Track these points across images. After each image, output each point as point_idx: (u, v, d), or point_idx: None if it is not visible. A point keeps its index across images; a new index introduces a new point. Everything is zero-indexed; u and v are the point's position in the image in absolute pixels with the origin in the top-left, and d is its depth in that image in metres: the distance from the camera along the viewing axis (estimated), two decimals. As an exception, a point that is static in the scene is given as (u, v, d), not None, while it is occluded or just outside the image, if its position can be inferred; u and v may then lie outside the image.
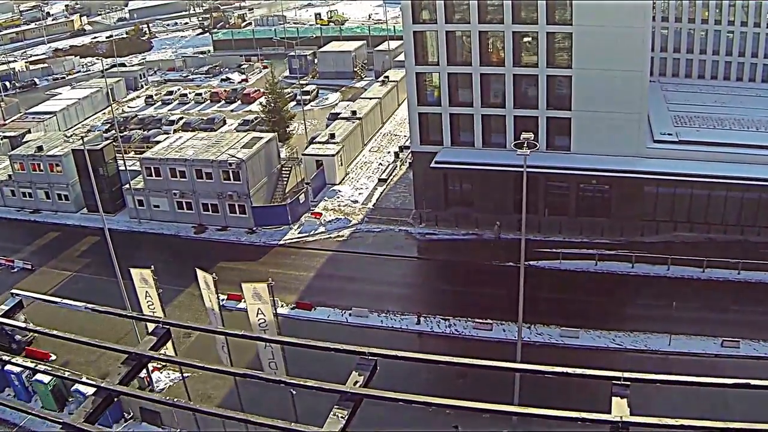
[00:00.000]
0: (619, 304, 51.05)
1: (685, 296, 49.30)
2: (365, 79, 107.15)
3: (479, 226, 60.27)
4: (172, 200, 65.41)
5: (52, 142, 74.39)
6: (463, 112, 59.49)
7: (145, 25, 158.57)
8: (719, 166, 55.43)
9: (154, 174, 65.20)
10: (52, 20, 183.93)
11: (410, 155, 67.60)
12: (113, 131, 75.06)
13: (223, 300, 53.74)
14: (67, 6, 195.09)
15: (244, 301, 52.68)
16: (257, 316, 33.44)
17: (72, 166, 69.83)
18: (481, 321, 48.53)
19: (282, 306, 52.25)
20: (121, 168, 68.56)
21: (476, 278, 54.06)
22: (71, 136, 71.71)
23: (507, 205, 60.34)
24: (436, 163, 59.00)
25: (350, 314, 50.61)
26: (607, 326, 47.64)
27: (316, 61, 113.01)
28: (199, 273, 36.37)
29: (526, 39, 56.56)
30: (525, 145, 34.36)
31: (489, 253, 57.04)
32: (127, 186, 67.03)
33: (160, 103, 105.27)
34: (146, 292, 36.69)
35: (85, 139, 73.20)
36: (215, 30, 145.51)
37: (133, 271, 37.86)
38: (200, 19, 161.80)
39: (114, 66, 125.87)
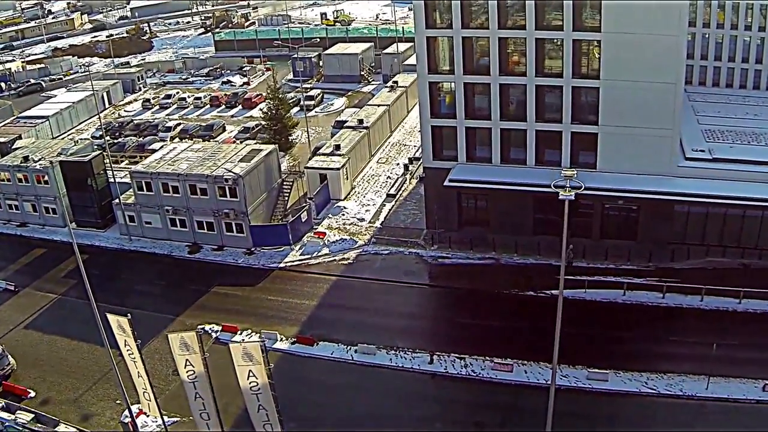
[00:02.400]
0: (651, 341, 46.18)
1: (722, 331, 44.88)
2: (372, 83, 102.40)
3: (496, 249, 55.51)
4: (165, 217, 60.75)
5: (40, 151, 69.80)
6: (480, 125, 54.72)
7: (146, 24, 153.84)
8: (755, 186, 51.07)
9: (145, 188, 60.54)
10: (53, 18, 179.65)
11: (420, 169, 63.01)
12: (104, 140, 69.98)
13: (217, 332, 49.56)
14: (69, 4, 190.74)
15: (240, 334, 49.31)
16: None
17: (59, 178, 65.31)
18: (500, 362, 43.78)
19: (281, 340, 47.87)
20: (115, 179, 63.96)
21: (494, 309, 49.42)
22: (60, 152, 66.69)
23: (526, 226, 55.99)
24: (451, 181, 54.28)
25: (356, 351, 45.89)
26: (638, 367, 43.06)
27: (321, 63, 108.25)
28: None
29: (549, 46, 51.74)
30: (567, 185, 29.29)
31: (507, 280, 52.30)
32: (117, 201, 62.38)
33: (157, 107, 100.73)
34: (125, 340, 31.95)
35: (75, 148, 69.33)
36: (217, 30, 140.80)
37: (110, 317, 33.51)
38: (202, 18, 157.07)
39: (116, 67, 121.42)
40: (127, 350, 32.64)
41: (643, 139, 51.45)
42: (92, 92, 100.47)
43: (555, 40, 51.23)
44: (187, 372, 30.22)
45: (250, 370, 29.13)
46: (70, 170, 64.39)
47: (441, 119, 55.52)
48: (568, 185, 29.47)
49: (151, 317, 51.70)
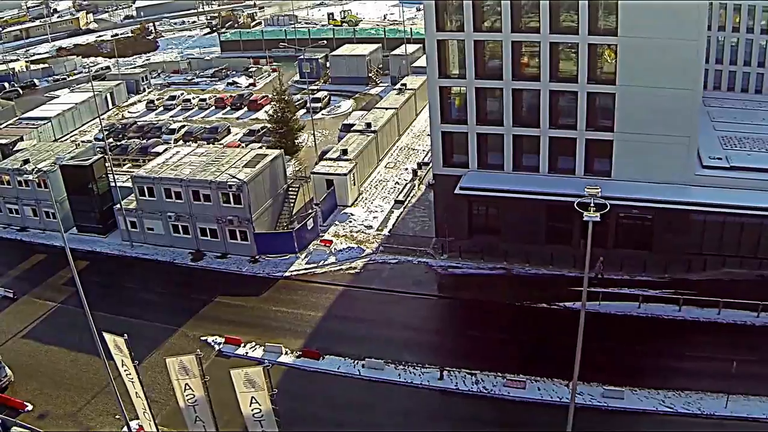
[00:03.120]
0: (667, 356, 44.49)
1: (740, 346, 43.35)
2: (380, 85, 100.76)
3: (507, 258, 53.92)
4: (167, 223, 59.26)
5: (40, 154, 68.43)
6: (492, 131, 53.13)
7: (151, 24, 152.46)
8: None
9: (147, 194, 59.07)
10: (58, 17, 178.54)
11: (430, 175, 61.48)
12: (106, 142, 68.46)
13: (220, 344, 48.10)
14: (74, 2, 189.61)
15: (244, 346, 47.84)
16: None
17: (60, 182, 63.87)
18: (512, 378, 42.20)
19: (286, 353, 46.30)
20: (118, 182, 62.57)
21: (505, 322, 47.84)
22: (54, 161, 65.09)
23: (538, 234, 54.48)
24: (461, 189, 52.70)
25: (363, 366, 44.34)
26: (654, 384, 41.43)
27: (328, 64, 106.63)
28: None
29: (565, 51, 50.14)
30: (591, 205, 27.68)
31: (519, 291, 50.72)
32: (118, 206, 60.94)
33: (161, 108, 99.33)
34: (122, 360, 30.43)
35: (77, 151, 67.87)
36: (223, 30, 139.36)
37: (106, 336, 32.00)
38: (208, 18, 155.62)
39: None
40: (125, 370, 31.10)
41: (659, 146, 49.80)
42: (96, 93, 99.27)
43: (570, 44, 49.51)
44: (186, 396, 28.70)
45: (252, 397, 27.63)
46: (70, 174, 63.01)
47: (451, 125, 53.90)
48: (592, 203, 27.64)
49: (153, 328, 50.41)
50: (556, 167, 53.03)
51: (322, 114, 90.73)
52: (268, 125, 77.93)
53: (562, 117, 51.63)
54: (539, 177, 53.09)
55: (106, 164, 63.12)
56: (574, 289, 50.25)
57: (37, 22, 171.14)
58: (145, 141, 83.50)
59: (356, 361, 44.88)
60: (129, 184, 61.93)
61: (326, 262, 55.89)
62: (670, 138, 49.50)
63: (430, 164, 68.30)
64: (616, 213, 52.27)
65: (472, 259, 54.56)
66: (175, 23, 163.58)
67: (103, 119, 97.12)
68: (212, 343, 48.29)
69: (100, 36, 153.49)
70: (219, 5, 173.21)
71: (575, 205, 28.60)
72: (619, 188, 50.55)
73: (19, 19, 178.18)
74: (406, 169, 70.99)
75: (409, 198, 64.84)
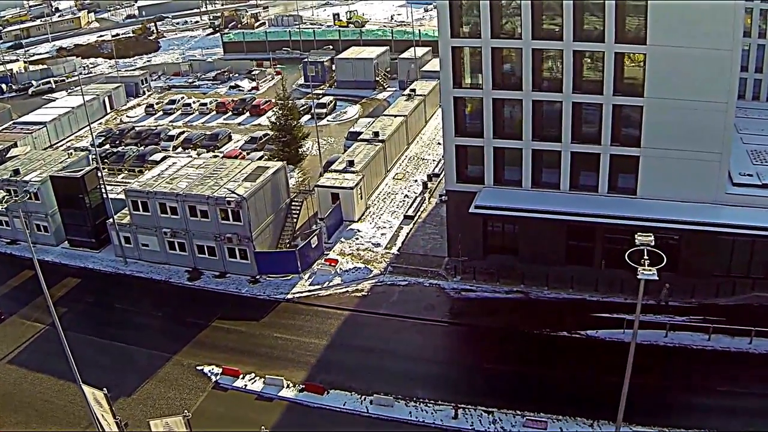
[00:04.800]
0: (698, 391, 41.10)
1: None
2: (388, 89, 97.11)
3: (525, 281, 50.44)
4: (163, 239, 55.86)
5: (32, 163, 65.11)
6: (510, 145, 49.56)
7: (153, 24, 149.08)
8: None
9: (141, 208, 55.66)
10: (59, 17, 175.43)
11: (441, 186, 58.00)
12: (97, 153, 64.87)
13: (217, 375, 44.72)
14: (76, 2, 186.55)
15: (242, 378, 44.44)
16: None
17: (51, 194, 60.63)
18: (532, 417, 38.78)
19: (288, 386, 42.83)
20: (108, 195, 59.16)
21: (524, 353, 44.40)
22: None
23: (558, 255, 50.93)
24: (477, 207, 49.19)
25: (371, 402, 40.90)
26: (686, 423, 38.07)
27: (333, 68, 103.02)
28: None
29: (588, 59, 46.61)
30: (644, 259, 24.18)
31: (538, 318, 47.25)
32: (111, 221, 57.57)
33: (161, 113, 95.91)
34: (102, 415, 26.98)
35: (69, 160, 64.52)
36: (226, 30, 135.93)
37: (85, 389, 28.49)
38: (211, 18, 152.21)
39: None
40: (106, 425, 27.61)
41: (689, 163, 46.35)
42: (93, 97, 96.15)
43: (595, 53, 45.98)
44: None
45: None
46: (61, 186, 59.73)
47: (466, 138, 50.37)
48: (645, 255, 24.01)
49: (146, 355, 47.27)
50: (577, 184, 49.51)
51: (328, 120, 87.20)
52: (271, 132, 74.47)
53: (586, 130, 48.00)
54: (560, 194, 49.55)
55: (100, 173, 59.45)
56: (596, 316, 47.01)
57: (38, 22, 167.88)
58: (142, 148, 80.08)
59: (363, 397, 41.48)
60: (123, 197, 58.57)
61: (331, 284, 52.41)
62: (700, 154, 46.02)
63: (441, 175, 65.16)
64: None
65: (487, 281, 51.10)
66: (177, 23, 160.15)
67: (101, 123, 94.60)
68: (209, 374, 45.04)
69: (100, 36, 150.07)
70: (222, 5, 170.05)
71: (626, 256, 24.94)
72: (645, 208, 47.42)
73: (20, 18, 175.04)
74: (416, 180, 67.40)
75: (419, 213, 61.23)
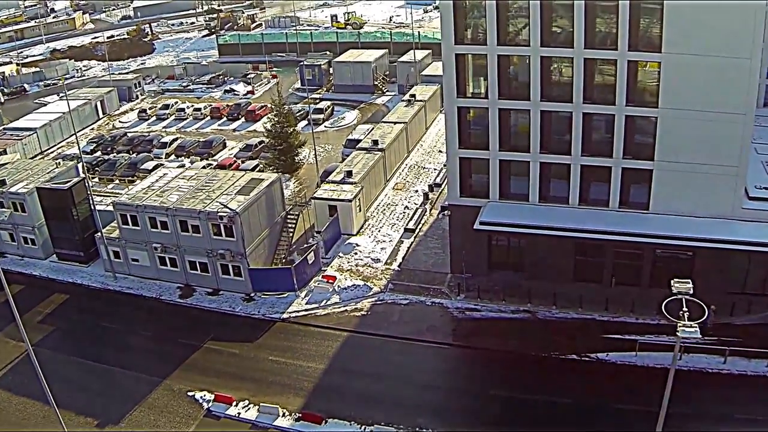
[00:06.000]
0: (716, 419, 38.71)
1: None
2: (387, 93, 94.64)
3: (532, 299, 48.13)
4: (153, 255, 53.48)
5: (19, 173, 62.65)
6: (517, 158, 47.22)
7: (147, 25, 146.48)
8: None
9: (130, 223, 53.29)
10: (53, 18, 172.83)
11: (443, 195, 55.65)
12: (84, 164, 62.23)
13: (209, 401, 42.38)
14: (71, 2, 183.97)
15: (235, 405, 42.10)
16: None
17: (37, 206, 58.26)
18: (545, 452, 36.53)
19: (284, 415, 40.47)
20: (95, 208, 56.84)
21: (532, 378, 42.07)
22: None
23: (566, 272, 48.58)
24: (482, 223, 46.86)
25: (371, 433, 38.65)
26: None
27: (331, 71, 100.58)
28: None
29: (600, 68, 44.29)
30: (684, 311, 21.80)
31: (546, 339, 44.95)
32: (99, 234, 55.18)
33: (154, 118, 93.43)
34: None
35: (57, 170, 62.07)
36: (222, 32, 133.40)
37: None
38: (206, 19, 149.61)
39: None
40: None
41: (704, 177, 44.11)
42: (85, 101, 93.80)
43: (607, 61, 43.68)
44: None
45: None
46: (48, 198, 57.36)
47: (471, 150, 47.99)
48: (684, 306, 21.64)
49: (135, 379, 44.98)
50: (587, 198, 47.18)
51: (325, 126, 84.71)
52: (266, 140, 72.11)
53: (596, 143, 45.68)
54: (568, 209, 47.25)
55: (90, 181, 57.07)
56: (606, 337, 44.76)
57: (32, 23, 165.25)
58: (134, 155, 77.70)
59: (363, 427, 39.23)
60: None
61: (329, 302, 50.01)
62: (716, 167, 43.79)
63: (443, 185, 62.88)
64: (653, 249, 46.84)
65: (492, 299, 48.77)
66: (173, 25, 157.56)
67: (93, 128, 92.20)
68: (200, 400, 42.71)
69: (95, 38, 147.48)
70: (219, 5, 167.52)
71: (663, 308, 22.57)
72: (657, 224, 45.22)
73: (15, 19, 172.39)
74: (416, 191, 64.98)
75: (420, 226, 58.82)
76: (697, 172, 44.11)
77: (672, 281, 23.32)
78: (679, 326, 22.25)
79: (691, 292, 22.94)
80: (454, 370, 45.20)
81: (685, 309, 22.14)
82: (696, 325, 22.29)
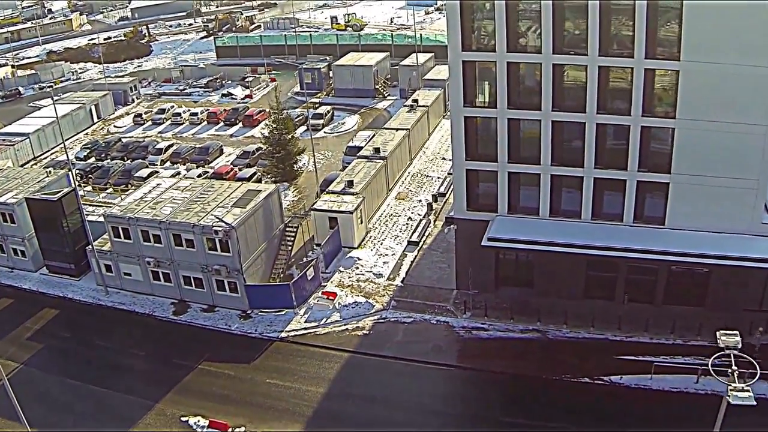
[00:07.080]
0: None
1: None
2: (388, 98, 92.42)
3: (541, 318, 45.98)
4: (146, 269, 51.32)
5: (8, 182, 60.45)
6: (527, 170, 45.04)
7: (144, 27, 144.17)
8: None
9: (122, 236, 51.11)
10: (50, 19, 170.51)
11: (448, 203, 53.50)
12: (73, 175, 59.66)
13: (203, 428, 40.19)
14: (69, 3, 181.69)
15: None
16: None
17: (27, 217, 56.09)
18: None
19: (281, 444, 38.26)
20: (85, 220, 54.60)
21: (544, 403, 39.97)
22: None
23: (576, 287, 46.49)
24: (490, 240, 44.68)
25: (374, 466, 36.46)
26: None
27: (331, 74, 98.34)
28: None
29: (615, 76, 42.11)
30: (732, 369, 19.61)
31: (557, 361, 42.82)
32: (90, 247, 53.00)
33: (150, 122, 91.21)
34: None
35: (48, 179, 59.86)
36: (220, 34, 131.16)
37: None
38: (204, 20, 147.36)
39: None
40: None
41: (722, 190, 42.03)
42: (79, 106, 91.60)
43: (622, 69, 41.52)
44: None
45: None
46: (37, 210, 55.20)
47: (478, 162, 45.77)
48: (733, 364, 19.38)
49: (126, 402, 42.82)
50: (600, 213, 45.00)
51: (325, 132, 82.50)
52: (264, 146, 69.95)
53: (610, 154, 43.50)
54: (580, 224, 45.11)
55: (82, 190, 54.87)
56: (620, 358, 42.64)
57: (29, 24, 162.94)
58: (129, 162, 75.54)
59: (365, 458, 37.06)
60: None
61: (329, 321, 47.82)
62: (735, 181, 41.68)
63: (447, 194, 60.83)
64: (668, 266, 44.70)
65: (500, 317, 46.63)
66: (170, 26, 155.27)
67: (87, 133, 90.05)
68: (194, 426, 40.60)
69: (92, 39, 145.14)
70: (218, 6, 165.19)
71: (710, 366, 20.28)
72: (672, 240, 43.10)
73: (11, 20, 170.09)
74: (420, 201, 62.76)
75: (424, 238, 56.60)
76: (715, 185, 42.09)
77: (718, 334, 20.82)
78: (729, 390, 19.89)
79: (740, 346, 20.53)
80: (461, 394, 42.76)
81: (734, 368, 19.74)
82: (749, 388, 19.91)
